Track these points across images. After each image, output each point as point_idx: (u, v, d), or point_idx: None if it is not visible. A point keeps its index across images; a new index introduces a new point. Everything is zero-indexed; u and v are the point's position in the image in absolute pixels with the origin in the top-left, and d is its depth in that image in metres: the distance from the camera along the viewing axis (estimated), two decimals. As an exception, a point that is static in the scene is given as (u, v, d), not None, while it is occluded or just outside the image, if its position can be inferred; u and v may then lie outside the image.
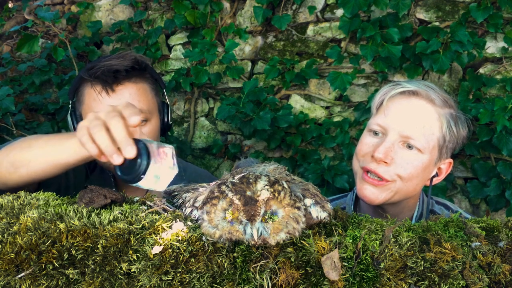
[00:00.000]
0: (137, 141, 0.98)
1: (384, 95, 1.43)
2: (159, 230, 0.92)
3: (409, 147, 1.36)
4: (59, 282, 0.89)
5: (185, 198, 0.99)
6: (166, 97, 1.64)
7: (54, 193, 1.11)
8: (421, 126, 1.36)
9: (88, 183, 1.54)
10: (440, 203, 1.55)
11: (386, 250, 0.86)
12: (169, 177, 1.00)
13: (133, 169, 0.97)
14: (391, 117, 1.39)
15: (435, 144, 1.38)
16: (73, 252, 0.90)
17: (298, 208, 0.87)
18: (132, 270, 0.88)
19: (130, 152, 0.95)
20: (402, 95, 1.41)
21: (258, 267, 0.85)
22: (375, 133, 1.41)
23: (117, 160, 0.97)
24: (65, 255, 0.91)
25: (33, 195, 1.09)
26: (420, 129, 1.35)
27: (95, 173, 1.59)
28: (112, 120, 0.98)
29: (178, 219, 0.95)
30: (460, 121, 1.42)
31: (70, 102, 1.55)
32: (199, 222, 0.91)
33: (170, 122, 1.63)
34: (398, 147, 1.36)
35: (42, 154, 1.15)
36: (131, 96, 1.46)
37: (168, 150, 1.00)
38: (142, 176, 0.96)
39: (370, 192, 1.37)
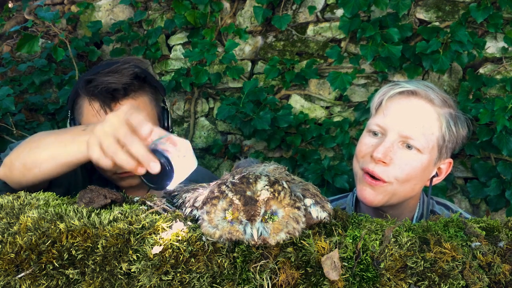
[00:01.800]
0: (155, 152, 1.02)
1: (383, 95, 1.43)
2: (159, 230, 0.92)
3: (409, 147, 1.36)
4: (59, 282, 0.89)
5: (185, 198, 0.99)
6: (166, 103, 1.64)
7: (54, 193, 1.12)
8: (421, 126, 1.35)
9: (93, 180, 1.54)
10: (441, 203, 1.55)
11: (386, 250, 0.86)
12: (190, 163, 1.06)
13: (159, 179, 1.02)
14: (390, 117, 1.39)
15: (435, 144, 1.37)
16: (73, 252, 0.90)
17: (298, 208, 0.87)
18: (132, 270, 0.88)
19: (154, 168, 0.99)
20: (401, 95, 1.41)
21: (258, 267, 0.85)
22: (375, 134, 1.41)
23: (140, 172, 1.01)
24: (65, 255, 0.91)
25: (33, 195, 1.09)
26: (419, 129, 1.35)
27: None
28: (127, 139, 1.00)
29: (178, 219, 0.95)
30: (460, 121, 1.42)
31: (69, 110, 1.54)
32: (199, 222, 0.91)
33: (171, 129, 1.62)
34: (397, 147, 1.36)
35: (51, 155, 1.17)
36: None
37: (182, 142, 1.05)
38: (168, 182, 1.02)
39: (369, 194, 1.37)
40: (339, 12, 2.79)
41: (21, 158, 1.21)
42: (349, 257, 0.86)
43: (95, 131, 1.03)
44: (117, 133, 1.00)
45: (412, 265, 0.84)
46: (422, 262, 0.85)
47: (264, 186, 0.85)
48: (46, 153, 1.17)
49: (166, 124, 1.61)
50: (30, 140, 1.26)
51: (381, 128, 1.39)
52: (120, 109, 1.04)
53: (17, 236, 0.94)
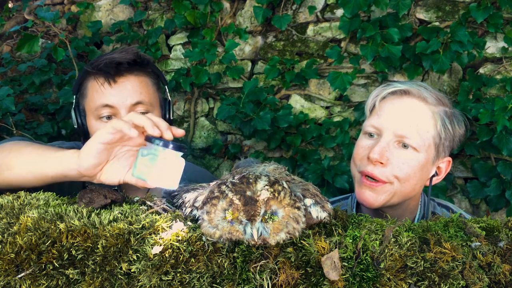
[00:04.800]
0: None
1: (376, 96, 1.43)
2: (159, 230, 0.92)
3: (405, 146, 1.36)
4: (59, 282, 0.89)
5: (185, 198, 0.99)
6: (168, 94, 1.65)
7: (54, 193, 1.12)
8: (415, 124, 1.35)
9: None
10: (442, 205, 1.55)
11: (386, 250, 0.86)
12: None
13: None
14: (384, 117, 1.39)
15: (431, 142, 1.37)
16: (73, 252, 0.90)
17: (298, 208, 0.87)
18: (132, 270, 0.88)
19: (179, 131, 1.06)
20: (394, 95, 1.41)
21: (258, 267, 0.85)
22: (370, 135, 1.41)
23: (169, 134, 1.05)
24: (65, 255, 0.91)
25: (33, 195, 1.09)
26: (414, 128, 1.35)
27: None
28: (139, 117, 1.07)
29: (178, 219, 0.95)
30: (456, 118, 1.42)
31: (74, 97, 1.57)
32: (199, 222, 0.91)
33: (172, 118, 1.63)
34: (393, 147, 1.36)
35: (26, 162, 1.17)
36: (133, 88, 1.48)
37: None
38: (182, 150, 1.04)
39: (369, 196, 1.37)
40: (339, 12, 2.79)
41: None
42: (349, 257, 0.86)
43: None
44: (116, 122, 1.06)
45: (412, 265, 0.84)
46: (422, 262, 0.85)
47: (264, 186, 0.85)
48: (22, 159, 1.18)
49: (168, 116, 1.62)
50: (14, 143, 1.26)
51: (376, 129, 1.39)
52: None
53: (17, 236, 0.94)
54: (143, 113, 1.49)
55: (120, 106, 1.46)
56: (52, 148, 1.21)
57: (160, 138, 1.04)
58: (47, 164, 1.14)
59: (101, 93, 1.46)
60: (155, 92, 1.57)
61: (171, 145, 1.02)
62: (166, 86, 1.65)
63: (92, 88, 1.49)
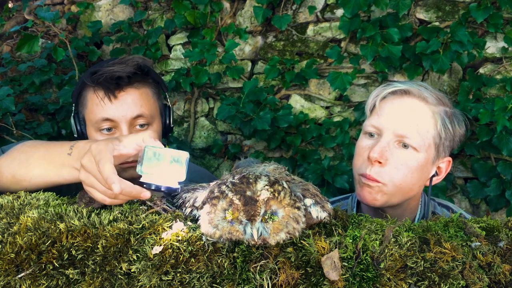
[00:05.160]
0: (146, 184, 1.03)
1: (376, 96, 1.43)
2: (159, 230, 0.92)
3: (405, 146, 1.36)
4: (59, 282, 0.89)
5: (185, 198, 0.99)
6: (168, 100, 1.65)
7: (54, 193, 1.12)
8: (415, 124, 1.35)
9: None
10: (443, 205, 1.55)
11: (386, 250, 0.86)
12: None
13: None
14: (384, 117, 1.39)
15: (431, 142, 1.37)
16: (73, 252, 0.90)
17: (298, 208, 0.87)
18: (132, 270, 0.88)
19: (146, 195, 1.00)
20: (394, 95, 1.41)
21: (258, 267, 0.85)
22: (371, 135, 1.41)
23: (145, 196, 1.01)
24: (65, 255, 0.91)
25: (33, 195, 1.09)
26: (414, 128, 1.35)
27: None
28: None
29: (178, 219, 0.95)
30: (456, 118, 1.42)
31: (73, 104, 1.56)
32: (199, 222, 0.91)
33: (172, 125, 1.64)
34: (393, 147, 1.36)
35: (42, 174, 1.18)
36: (133, 102, 1.47)
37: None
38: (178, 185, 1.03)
39: (367, 193, 1.37)
40: (339, 12, 2.79)
41: (10, 168, 1.21)
42: (349, 257, 0.86)
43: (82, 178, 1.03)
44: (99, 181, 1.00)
45: (412, 265, 0.84)
46: (422, 262, 0.85)
47: (264, 186, 0.85)
48: (37, 170, 1.18)
49: (168, 122, 1.62)
50: (19, 151, 1.25)
51: (376, 129, 1.39)
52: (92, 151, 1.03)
53: (17, 236, 0.94)
54: (143, 125, 1.50)
55: (120, 120, 1.46)
56: (57, 150, 1.20)
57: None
58: (62, 176, 1.15)
59: (101, 108, 1.46)
60: (155, 102, 1.56)
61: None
62: (166, 92, 1.65)
63: (92, 101, 1.49)
